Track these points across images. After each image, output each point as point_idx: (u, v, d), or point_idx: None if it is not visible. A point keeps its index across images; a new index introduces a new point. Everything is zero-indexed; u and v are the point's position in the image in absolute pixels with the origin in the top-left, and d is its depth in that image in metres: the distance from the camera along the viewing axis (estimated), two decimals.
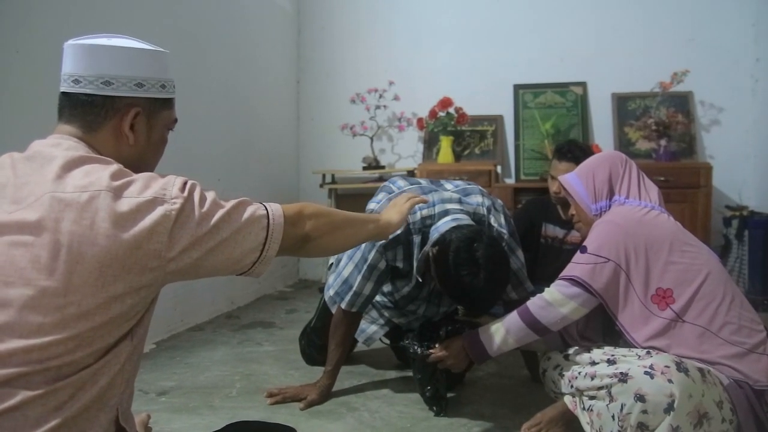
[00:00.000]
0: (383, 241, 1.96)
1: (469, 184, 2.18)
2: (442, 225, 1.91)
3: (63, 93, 1.08)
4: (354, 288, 2.08)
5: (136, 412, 1.31)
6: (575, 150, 2.71)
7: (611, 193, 1.90)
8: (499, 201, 2.16)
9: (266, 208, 1.11)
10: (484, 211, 2.07)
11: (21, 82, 2.26)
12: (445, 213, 1.96)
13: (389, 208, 1.60)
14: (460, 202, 2.04)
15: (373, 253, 2.02)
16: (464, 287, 1.79)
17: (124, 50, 1.08)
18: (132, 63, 1.07)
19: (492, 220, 2.06)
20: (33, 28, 2.29)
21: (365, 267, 2.04)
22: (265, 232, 1.08)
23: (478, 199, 2.09)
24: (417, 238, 1.99)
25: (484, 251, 1.77)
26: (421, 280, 2.01)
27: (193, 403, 2.20)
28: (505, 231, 2.05)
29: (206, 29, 3.44)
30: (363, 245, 2.04)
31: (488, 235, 1.86)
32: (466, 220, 1.94)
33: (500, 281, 1.84)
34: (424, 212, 1.99)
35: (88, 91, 1.05)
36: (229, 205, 1.06)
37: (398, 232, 1.92)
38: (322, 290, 4.02)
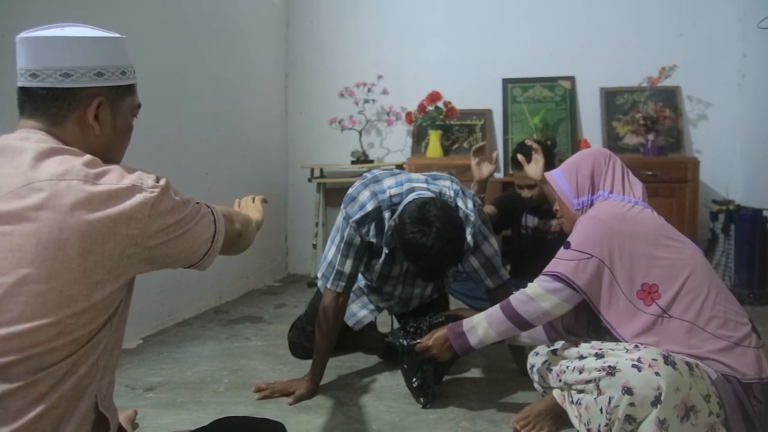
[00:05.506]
0: (357, 218, 2.08)
1: (441, 173, 2.28)
2: (407, 200, 2.01)
3: (21, 88, 1.06)
4: (336, 267, 2.17)
5: (123, 408, 1.31)
6: (524, 148, 2.70)
7: (593, 189, 1.90)
8: (470, 191, 2.24)
9: (208, 206, 1.17)
10: (451, 193, 2.15)
11: None
12: (412, 190, 2.07)
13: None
14: (427, 182, 2.15)
15: (347, 230, 2.11)
16: (415, 246, 1.87)
17: (81, 40, 1.05)
18: (90, 52, 1.05)
19: (459, 203, 2.12)
20: (12, 18, 2.26)
21: (342, 245, 2.14)
22: (213, 226, 1.14)
23: (446, 183, 2.19)
24: (387, 214, 2.09)
25: (436, 212, 1.88)
26: (387, 252, 2.09)
27: (181, 399, 2.19)
28: (472, 214, 2.11)
29: (194, 23, 3.40)
30: (340, 226, 2.17)
31: (442, 201, 1.99)
32: (429, 195, 2.03)
33: (451, 241, 1.90)
34: (393, 191, 2.10)
35: (46, 85, 1.03)
36: (192, 198, 1.12)
37: (369, 209, 2.07)
38: (310, 285, 4.05)
